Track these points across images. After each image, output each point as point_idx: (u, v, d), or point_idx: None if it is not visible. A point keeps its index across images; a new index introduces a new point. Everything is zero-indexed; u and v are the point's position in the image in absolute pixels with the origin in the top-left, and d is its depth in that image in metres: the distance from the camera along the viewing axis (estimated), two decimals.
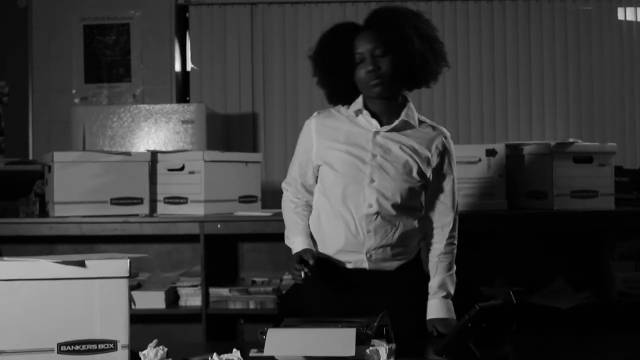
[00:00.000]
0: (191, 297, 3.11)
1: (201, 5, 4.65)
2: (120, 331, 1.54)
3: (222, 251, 3.26)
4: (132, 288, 1.65)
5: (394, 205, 2.02)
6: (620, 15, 4.63)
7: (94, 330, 1.52)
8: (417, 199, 2.09)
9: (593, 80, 4.62)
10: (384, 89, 2.02)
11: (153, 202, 3.12)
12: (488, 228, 2.98)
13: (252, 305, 3.08)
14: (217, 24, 4.64)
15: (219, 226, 2.97)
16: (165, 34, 4.60)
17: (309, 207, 2.17)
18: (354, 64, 2.02)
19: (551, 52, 4.61)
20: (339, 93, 2.11)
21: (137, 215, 3.05)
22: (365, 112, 2.07)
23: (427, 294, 2.10)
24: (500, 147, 3.04)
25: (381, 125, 2.06)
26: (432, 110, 4.56)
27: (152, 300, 3.04)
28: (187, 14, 4.70)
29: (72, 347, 1.51)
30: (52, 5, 4.60)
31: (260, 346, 1.55)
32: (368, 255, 2.05)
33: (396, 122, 2.05)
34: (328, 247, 2.09)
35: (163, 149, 3.68)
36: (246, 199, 3.21)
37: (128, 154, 3.13)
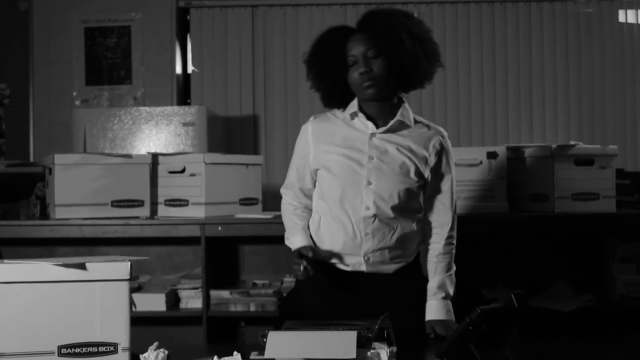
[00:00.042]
0: (192, 300, 3.11)
1: (202, 8, 4.65)
2: (120, 334, 1.53)
3: (223, 253, 3.26)
4: (132, 290, 1.65)
5: (392, 207, 2.02)
6: (621, 17, 4.63)
7: (95, 333, 1.52)
8: (416, 200, 2.09)
9: (594, 83, 4.61)
10: (377, 91, 2.02)
11: (154, 204, 3.12)
12: (489, 230, 2.98)
13: (252, 308, 3.08)
14: (218, 26, 4.64)
15: (219, 228, 2.97)
16: (166, 36, 4.60)
17: (307, 209, 2.18)
18: (347, 66, 2.03)
19: (552, 54, 4.61)
20: (334, 96, 2.12)
21: (137, 217, 3.05)
22: (360, 114, 2.07)
23: (425, 296, 2.10)
24: (501, 150, 3.03)
25: (377, 127, 2.07)
26: (433, 112, 4.55)
27: (153, 302, 3.04)
28: (188, 17, 4.71)
29: (73, 349, 1.51)
30: (53, 7, 4.60)
31: (261, 349, 1.54)
32: (366, 258, 2.05)
33: (391, 123, 2.06)
34: (326, 249, 2.09)
35: (164, 152, 3.67)
36: (247, 202, 3.21)
37: (129, 156, 3.13)
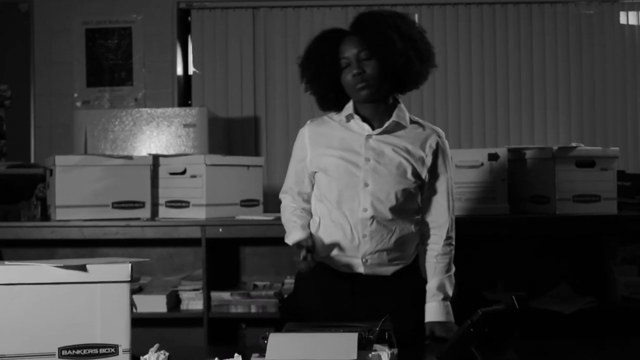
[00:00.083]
0: (193, 301, 3.11)
1: (203, 9, 4.65)
2: (121, 335, 1.53)
3: (224, 255, 3.26)
4: (133, 292, 1.65)
5: (390, 209, 2.02)
6: (623, 19, 4.63)
7: (95, 335, 1.52)
8: (414, 201, 2.08)
9: (595, 84, 4.61)
10: (371, 92, 2.03)
11: (155, 205, 3.12)
12: (490, 232, 2.98)
13: (253, 309, 3.08)
14: (219, 28, 4.64)
15: (220, 230, 2.97)
16: (167, 37, 4.60)
17: (306, 211, 2.17)
18: (340, 69, 2.04)
19: (553, 56, 4.61)
20: (329, 99, 2.13)
21: (138, 219, 3.05)
22: (356, 116, 2.08)
23: (424, 298, 2.09)
24: (502, 151, 3.03)
25: (373, 128, 2.07)
26: (434, 114, 4.55)
27: (154, 304, 3.04)
28: (189, 18, 4.71)
29: (73, 351, 1.51)
30: (54, 9, 4.60)
31: (262, 351, 1.54)
32: (363, 260, 2.05)
33: (387, 124, 2.06)
34: (324, 251, 2.08)
35: (165, 153, 3.67)
36: (248, 203, 3.21)
37: (130, 157, 3.13)
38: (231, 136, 4.58)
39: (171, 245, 3.29)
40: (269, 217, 3.04)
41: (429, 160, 2.08)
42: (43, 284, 1.51)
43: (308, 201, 2.17)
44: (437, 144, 2.09)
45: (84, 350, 1.51)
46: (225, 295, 3.08)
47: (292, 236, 2.12)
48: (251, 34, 4.63)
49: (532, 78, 4.61)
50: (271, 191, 3.79)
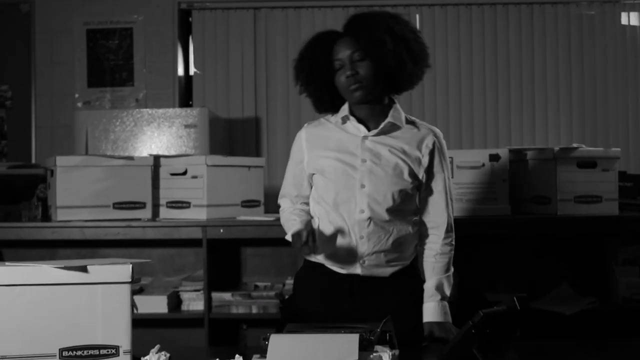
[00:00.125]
0: (194, 302, 3.11)
1: (204, 10, 4.65)
2: (122, 336, 1.53)
3: (225, 256, 3.26)
4: (134, 292, 1.65)
5: (387, 210, 2.02)
6: (624, 19, 4.62)
7: (96, 336, 1.52)
8: (411, 202, 2.08)
9: (596, 85, 4.61)
10: (365, 94, 2.02)
11: (156, 206, 3.12)
12: (491, 233, 2.98)
13: (254, 310, 3.07)
14: (220, 29, 4.64)
15: (221, 231, 2.97)
16: (168, 38, 4.60)
17: (305, 211, 2.16)
18: (334, 70, 2.04)
19: (554, 56, 4.60)
20: (324, 101, 2.13)
21: (139, 219, 3.05)
22: (352, 118, 2.08)
23: (422, 299, 2.09)
24: (503, 152, 3.03)
25: (369, 129, 2.07)
26: (435, 114, 4.55)
27: (155, 304, 3.04)
28: (190, 19, 4.71)
29: (74, 352, 1.51)
30: (55, 9, 4.60)
31: (263, 351, 1.54)
32: (361, 261, 2.05)
33: (382, 125, 2.06)
34: (323, 247, 2.07)
35: (166, 153, 3.67)
36: (249, 204, 3.21)
37: (131, 158, 3.13)
38: (232, 137, 4.58)
39: (172, 246, 3.30)
40: (270, 217, 3.04)
41: (425, 161, 2.07)
42: (44, 285, 1.51)
43: (307, 204, 2.17)
44: (434, 144, 2.09)
45: (85, 351, 1.51)
46: (226, 295, 3.08)
47: (292, 230, 2.11)
48: (252, 35, 4.63)
49: (533, 79, 4.60)
50: (272, 192, 3.78)
